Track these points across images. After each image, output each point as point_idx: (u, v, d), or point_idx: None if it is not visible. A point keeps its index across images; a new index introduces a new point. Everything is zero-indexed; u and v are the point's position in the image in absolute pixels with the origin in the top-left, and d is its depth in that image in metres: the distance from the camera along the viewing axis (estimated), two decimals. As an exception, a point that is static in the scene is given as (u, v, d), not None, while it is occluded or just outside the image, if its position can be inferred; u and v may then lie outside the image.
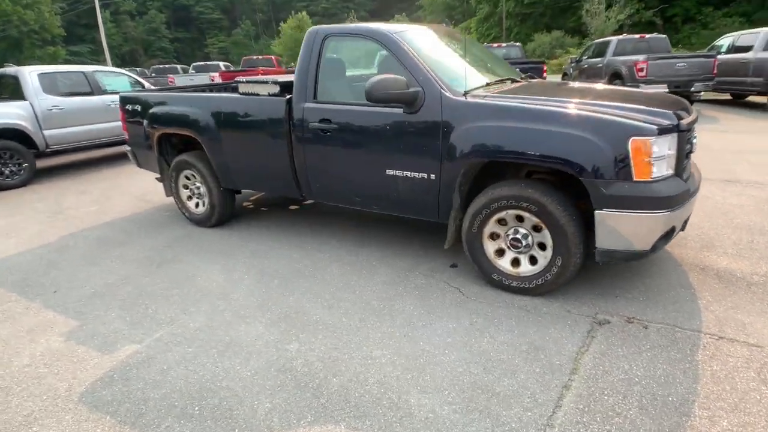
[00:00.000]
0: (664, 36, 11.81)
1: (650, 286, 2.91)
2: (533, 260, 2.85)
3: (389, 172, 3.16)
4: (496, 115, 2.72)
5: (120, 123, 7.32)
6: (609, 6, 25.76)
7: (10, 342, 2.74)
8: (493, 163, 2.89)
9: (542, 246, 2.79)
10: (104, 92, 7.43)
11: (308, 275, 3.37)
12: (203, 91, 5.13)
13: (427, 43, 3.30)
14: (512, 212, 2.78)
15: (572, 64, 14.10)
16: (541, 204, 2.63)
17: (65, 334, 2.79)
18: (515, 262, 2.91)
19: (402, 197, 3.20)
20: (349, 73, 3.79)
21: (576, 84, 4.14)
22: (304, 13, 48.31)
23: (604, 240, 2.55)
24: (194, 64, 21.95)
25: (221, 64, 21.86)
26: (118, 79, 7.77)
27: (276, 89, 3.62)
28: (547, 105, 2.67)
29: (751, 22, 22.07)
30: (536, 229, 2.77)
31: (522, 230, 2.82)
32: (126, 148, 4.99)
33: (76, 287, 3.39)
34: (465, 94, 2.92)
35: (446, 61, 3.27)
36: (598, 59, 11.86)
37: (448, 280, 3.16)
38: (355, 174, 3.35)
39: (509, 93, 3.02)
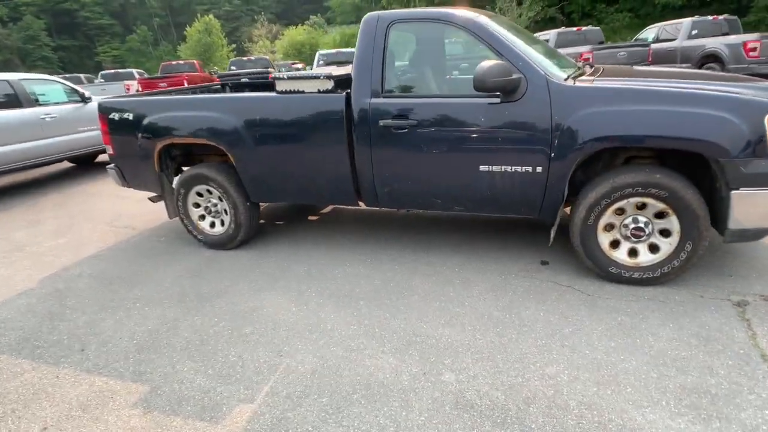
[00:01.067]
0: (598, 28, 12.67)
1: (753, 264, 2.91)
2: (653, 248, 2.73)
3: (484, 168, 2.87)
4: (620, 99, 2.54)
5: (58, 139, 6.40)
6: (519, 3, 27.17)
7: (66, 428, 2.06)
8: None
9: (664, 232, 2.68)
10: (35, 103, 6.27)
11: (394, 292, 2.98)
12: (212, 92, 4.47)
13: (504, 29, 3.05)
14: (634, 200, 2.63)
15: None
16: (673, 189, 2.50)
17: (139, 404, 2.16)
18: (632, 253, 2.77)
19: (498, 195, 2.92)
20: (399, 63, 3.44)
21: (659, 67, 4.10)
22: (211, 16, 45.67)
23: (738, 219, 2.47)
24: (103, 72, 19.62)
25: (135, 71, 19.81)
26: (49, 88, 6.58)
27: (329, 85, 3.16)
28: (670, 87, 2.55)
29: (638, 16, 24.51)
30: (659, 215, 2.65)
31: (642, 218, 2.68)
32: (108, 165, 4.16)
33: (110, 341, 2.70)
34: (567, 79, 2.73)
35: (531, 47, 3.03)
36: None
37: (554, 279, 2.94)
38: (438, 174, 3.01)
39: (614, 76, 2.87)
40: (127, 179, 4.11)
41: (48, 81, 6.72)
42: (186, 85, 14.93)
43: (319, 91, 3.20)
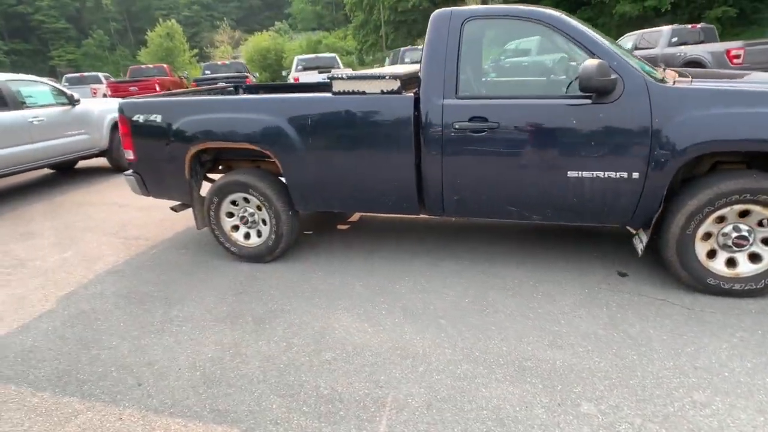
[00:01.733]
0: None
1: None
2: (753, 258, 2.60)
3: (572, 174, 2.69)
4: (728, 101, 2.41)
5: (47, 144, 5.83)
6: None
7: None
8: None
9: (766, 241, 2.56)
10: (22, 106, 5.70)
11: (474, 309, 2.73)
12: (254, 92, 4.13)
13: (589, 28, 2.86)
14: (738, 207, 2.50)
15: None
16: (786, 195, 2.39)
17: (235, 451, 1.83)
18: (730, 263, 2.64)
19: (585, 202, 2.74)
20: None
21: (723, 70, 4.02)
22: (173, 20, 44.40)
23: None
24: (67, 75, 18.53)
25: (101, 75, 18.81)
26: (37, 89, 5.99)
27: (395, 85, 2.91)
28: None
29: (596, 26, 25.44)
30: (762, 223, 2.53)
31: (744, 226, 2.55)
32: (126, 172, 3.74)
33: (168, 372, 2.33)
34: (663, 80, 2.59)
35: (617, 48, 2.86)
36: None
37: (642, 292, 2.77)
38: (519, 181, 2.80)
39: (706, 78, 2.76)
40: (148, 187, 3.70)
41: (35, 82, 6.13)
42: (158, 90, 14.31)
43: (382, 92, 2.95)
